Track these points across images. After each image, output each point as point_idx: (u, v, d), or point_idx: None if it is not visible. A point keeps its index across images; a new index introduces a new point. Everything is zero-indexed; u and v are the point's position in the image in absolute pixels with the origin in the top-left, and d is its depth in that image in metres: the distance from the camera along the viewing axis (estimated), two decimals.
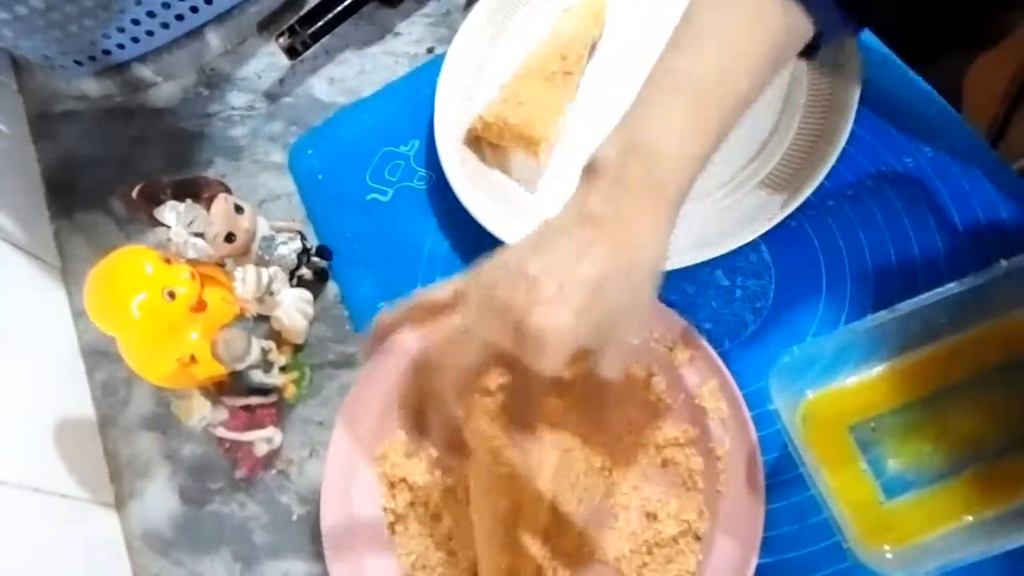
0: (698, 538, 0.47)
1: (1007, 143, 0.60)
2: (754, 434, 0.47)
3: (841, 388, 0.47)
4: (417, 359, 0.39)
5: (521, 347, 0.35)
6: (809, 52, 0.43)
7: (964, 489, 0.44)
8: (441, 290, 0.40)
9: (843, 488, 0.44)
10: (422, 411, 0.39)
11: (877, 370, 0.47)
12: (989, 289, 0.44)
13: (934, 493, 0.44)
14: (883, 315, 0.44)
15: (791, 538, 0.47)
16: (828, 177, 0.52)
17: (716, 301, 0.54)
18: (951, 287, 0.44)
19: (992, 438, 0.45)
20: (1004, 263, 0.43)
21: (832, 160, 0.52)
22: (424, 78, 0.66)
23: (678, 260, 0.52)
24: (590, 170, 0.39)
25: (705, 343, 0.50)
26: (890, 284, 0.51)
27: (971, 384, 0.46)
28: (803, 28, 0.41)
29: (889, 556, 0.43)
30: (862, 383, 0.47)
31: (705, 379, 0.49)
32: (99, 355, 0.65)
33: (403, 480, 0.52)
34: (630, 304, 0.37)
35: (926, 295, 0.44)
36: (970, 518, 0.43)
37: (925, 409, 0.46)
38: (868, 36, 0.57)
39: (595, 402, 0.52)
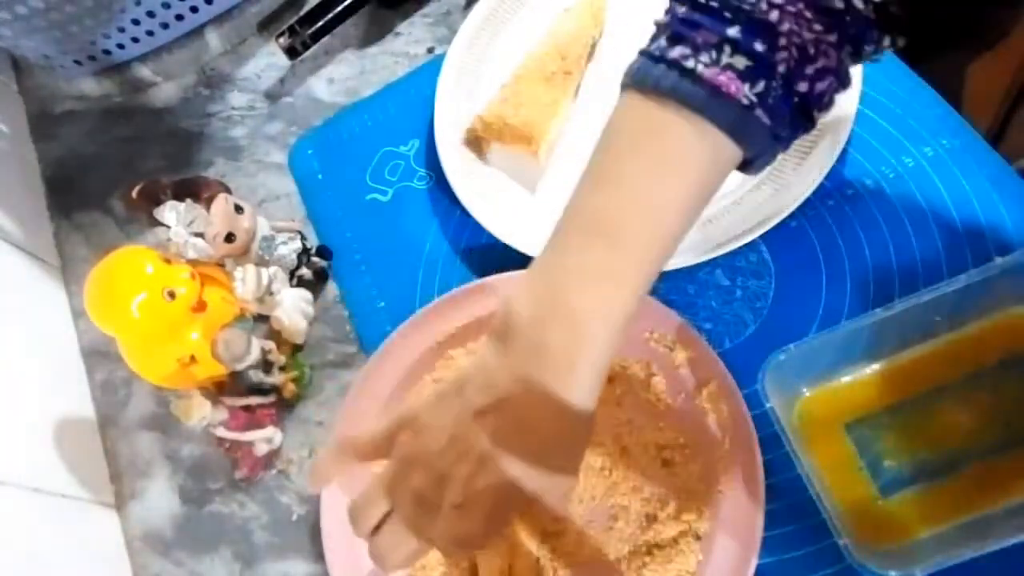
0: (698, 538, 0.47)
1: (1007, 143, 0.60)
2: (754, 434, 0.47)
3: (837, 386, 0.47)
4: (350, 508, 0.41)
5: (446, 498, 0.37)
6: (743, 168, 0.39)
7: (960, 487, 0.44)
8: (367, 436, 0.41)
9: (839, 486, 0.44)
10: None
11: (873, 368, 0.47)
12: (984, 287, 0.44)
13: (930, 491, 0.44)
14: (879, 313, 0.44)
15: (791, 538, 0.47)
16: (828, 177, 0.52)
17: (716, 301, 0.54)
18: (946, 285, 0.44)
19: (987, 436, 0.45)
20: (999, 260, 0.43)
21: (832, 160, 0.52)
22: (424, 78, 0.66)
23: (678, 260, 0.52)
24: (505, 330, 0.36)
25: (705, 343, 0.50)
26: (890, 284, 0.51)
27: (967, 382, 0.46)
28: (731, 156, 0.36)
29: (884, 554, 0.43)
30: (858, 381, 0.47)
31: (705, 379, 0.49)
32: (99, 355, 0.65)
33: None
34: (562, 466, 0.37)
35: (921, 293, 0.44)
36: (966, 516, 0.43)
37: (921, 407, 0.46)
38: None
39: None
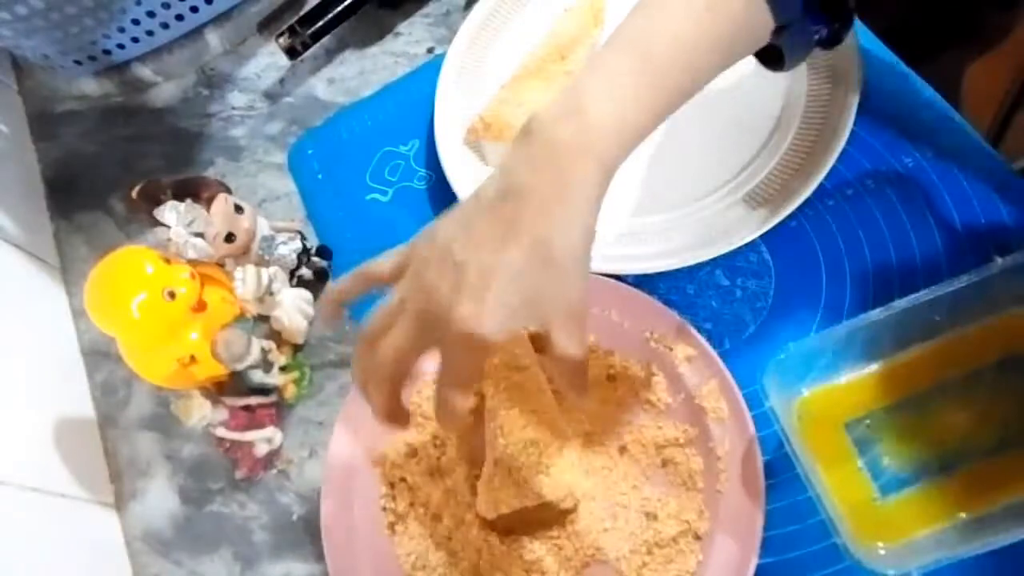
0: (698, 538, 0.47)
1: (1007, 143, 0.60)
2: (754, 434, 0.47)
3: (837, 386, 0.47)
4: (361, 332, 0.40)
5: (449, 335, 0.36)
6: (775, 62, 0.42)
7: (958, 487, 0.44)
8: (383, 260, 0.41)
9: (838, 485, 0.44)
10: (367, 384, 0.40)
11: (873, 368, 0.47)
12: (984, 287, 0.44)
13: (929, 490, 0.44)
14: (878, 313, 0.44)
15: (791, 538, 0.47)
16: (828, 177, 0.52)
17: (716, 301, 0.54)
18: (946, 285, 0.44)
19: (986, 436, 0.45)
20: (999, 261, 0.43)
21: (832, 160, 0.52)
22: (424, 78, 0.66)
23: (678, 260, 0.52)
24: (524, 131, 0.38)
25: (705, 343, 0.50)
26: (890, 284, 0.51)
27: (966, 382, 0.46)
28: (762, 16, 0.39)
29: (883, 553, 0.43)
30: (858, 380, 0.47)
31: (705, 379, 0.49)
32: (99, 355, 0.65)
33: (403, 480, 0.52)
34: (559, 282, 0.36)
35: (921, 293, 0.44)
36: (964, 516, 0.43)
37: (920, 407, 0.46)
38: (868, 36, 0.58)
39: (598, 402, 0.52)
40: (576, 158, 0.36)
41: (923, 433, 0.46)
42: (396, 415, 0.41)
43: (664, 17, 0.38)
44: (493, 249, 0.36)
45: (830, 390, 0.47)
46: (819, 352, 0.46)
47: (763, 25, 0.40)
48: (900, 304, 0.44)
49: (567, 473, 0.47)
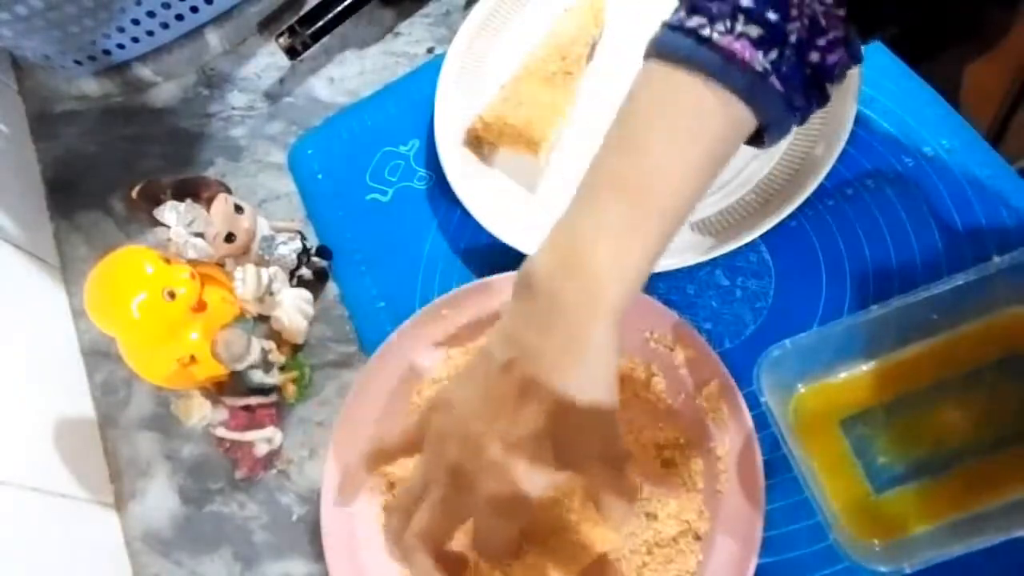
0: (698, 538, 0.47)
1: (1007, 143, 0.60)
2: (754, 434, 0.47)
3: (833, 383, 0.48)
4: (389, 507, 0.41)
5: (481, 513, 0.36)
6: (755, 141, 0.41)
7: (953, 485, 0.44)
8: (394, 437, 0.41)
9: (833, 482, 0.44)
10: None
11: (869, 365, 0.47)
12: (981, 286, 0.44)
13: (923, 488, 0.44)
14: (875, 310, 0.45)
15: (791, 538, 0.47)
16: (828, 177, 0.52)
17: (716, 301, 0.54)
18: (943, 284, 0.44)
19: (982, 435, 0.45)
20: (997, 259, 0.43)
21: (832, 160, 0.52)
22: (424, 78, 0.66)
23: (678, 260, 0.52)
24: (524, 285, 0.37)
25: (705, 343, 0.50)
26: (889, 284, 0.51)
27: (962, 381, 0.46)
28: (746, 123, 0.38)
29: (877, 549, 0.43)
30: (854, 378, 0.48)
31: (705, 379, 0.49)
32: (99, 355, 0.65)
33: (403, 480, 0.52)
34: (588, 430, 0.36)
35: (918, 291, 0.44)
36: (958, 514, 0.43)
37: (916, 405, 0.46)
38: None
39: None
40: (585, 317, 0.36)
41: (919, 431, 0.46)
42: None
43: (651, 157, 0.37)
44: (511, 422, 0.36)
45: (827, 387, 0.47)
46: (815, 349, 0.46)
47: (746, 129, 0.38)
48: (898, 302, 0.44)
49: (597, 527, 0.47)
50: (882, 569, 0.40)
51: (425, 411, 0.40)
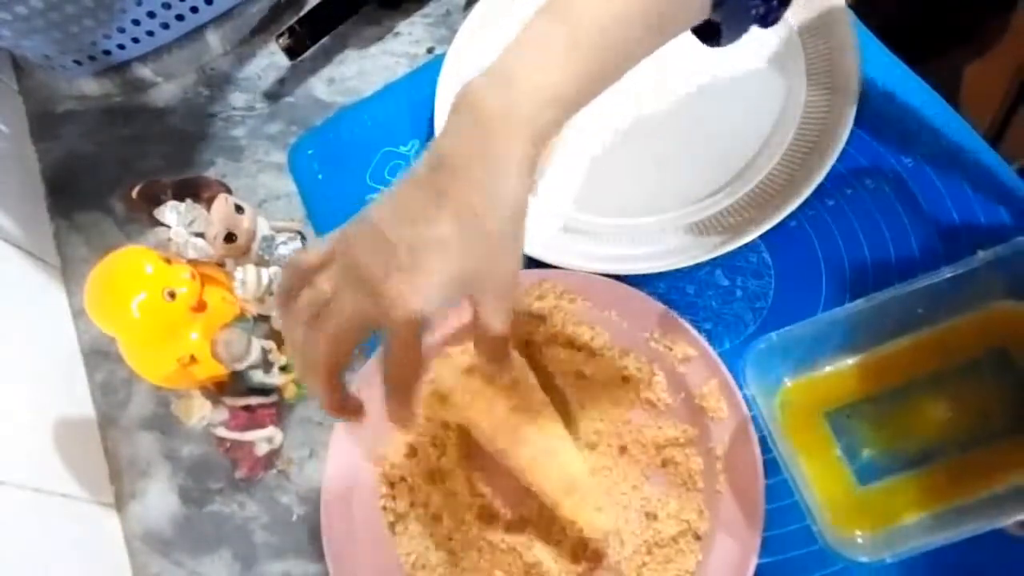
0: (698, 538, 0.47)
1: (1007, 143, 0.60)
2: (754, 434, 0.47)
3: (819, 376, 0.48)
4: (286, 314, 0.39)
5: (382, 314, 0.36)
6: (712, 37, 0.41)
7: (936, 478, 0.44)
8: (313, 252, 0.40)
9: (818, 474, 0.45)
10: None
11: (855, 358, 0.48)
12: (965, 280, 0.44)
13: (906, 480, 0.45)
14: (860, 303, 0.45)
15: (791, 538, 0.47)
16: (828, 177, 0.52)
17: (716, 301, 0.54)
18: (928, 278, 0.44)
19: (965, 428, 0.45)
20: (980, 254, 0.44)
21: (832, 160, 0.52)
22: (424, 78, 0.66)
23: (678, 260, 0.52)
24: (455, 102, 0.37)
25: (705, 343, 0.50)
26: (889, 283, 0.51)
27: (946, 375, 0.46)
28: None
29: (860, 541, 0.43)
30: (839, 371, 0.48)
31: (705, 379, 0.49)
32: (99, 355, 0.65)
33: (403, 480, 0.52)
34: (490, 253, 0.36)
35: (903, 285, 0.44)
36: (941, 506, 0.43)
37: (900, 398, 0.47)
38: (868, 36, 0.58)
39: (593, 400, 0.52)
40: (501, 125, 0.36)
41: (904, 424, 0.46)
42: (343, 407, 0.40)
43: None
44: (422, 221, 0.36)
45: (812, 380, 0.48)
46: (801, 341, 0.46)
47: (699, 1, 0.39)
48: (882, 296, 0.45)
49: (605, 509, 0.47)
50: (863, 559, 0.40)
51: (343, 227, 0.39)
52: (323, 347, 0.37)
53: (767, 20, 0.41)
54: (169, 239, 0.55)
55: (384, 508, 0.52)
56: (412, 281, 0.35)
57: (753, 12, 0.40)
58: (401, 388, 0.39)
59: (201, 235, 0.55)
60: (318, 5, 0.69)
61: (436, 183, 0.36)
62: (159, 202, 0.56)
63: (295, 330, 0.38)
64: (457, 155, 0.36)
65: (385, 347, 0.38)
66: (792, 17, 0.57)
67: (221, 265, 0.58)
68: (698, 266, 0.53)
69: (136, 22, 0.69)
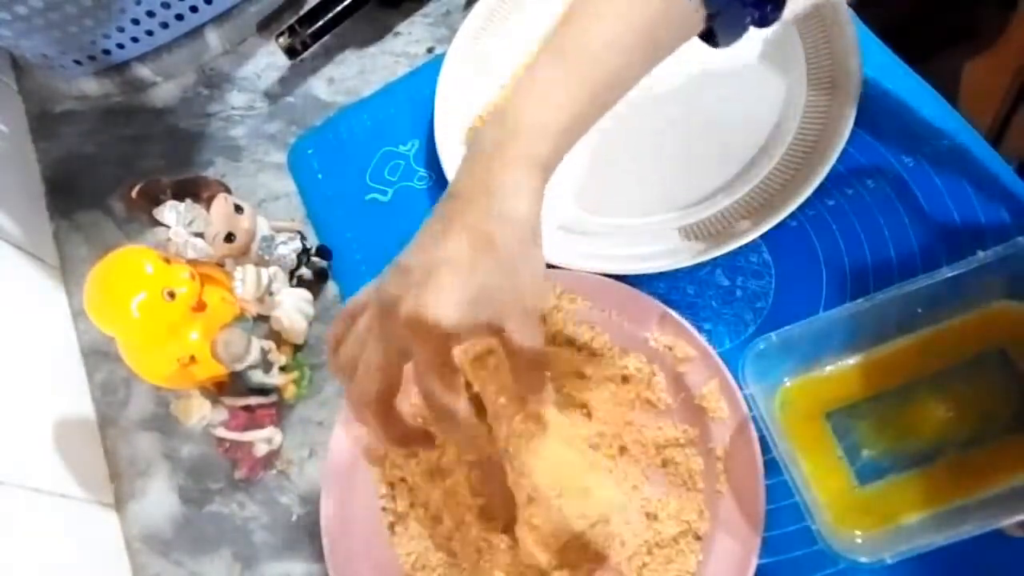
0: (698, 538, 0.47)
1: (1007, 143, 0.60)
2: (754, 434, 0.47)
3: (819, 376, 0.48)
4: (334, 362, 0.41)
5: (406, 334, 0.36)
6: (709, 39, 0.42)
7: (936, 477, 0.44)
8: (353, 300, 0.42)
9: (818, 474, 0.45)
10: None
11: (855, 358, 0.48)
12: (965, 280, 0.44)
13: (906, 480, 0.45)
14: (860, 303, 0.45)
15: (791, 538, 0.47)
16: (828, 177, 0.52)
17: (716, 301, 0.54)
18: (927, 278, 0.44)
19: (965, 428, 0.45)
20: (980, 255, 0.44)
21: (832, 160, 0.52)
22: (424, 78, 0.66)
23: (678, 260, 0.52)
24: (469, 140, 0.40)
25: (705, 343, 0.50)
26: (890, 284, 0.51)
27: (945, 375, 0.47)
28: (690, 9, 0.39)
29: (859, 541, 0.43)
30: (839, 371, 0.48)
31: (705, 379, 0.49)
32: (99, 355, 0.65)
33: (403, 480, 0.52)
34: (507, 272, 0.36)
35: (903, 284, 0.44)
36: (941, 506, 0.43)
37: (900, 398, 0.47)
38: (868, 36, 0.58)
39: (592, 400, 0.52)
40: (499, 156, 0.37)
41: (904, 424, 0.46)
42: (405, 438, 0.41)
43: (588, 19, 0.39)
44: (433, 246, 0.37)
45: (812, 380, 0.48)
46: (801, 341, 0.46)
47: (692, 15, 0.40)
48: (882, 296, 0.45)
49: (606, 488, 0.47)
50: (863, 560, 0.40)
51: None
52: (367, 383, 0.38)
53: (763, 23, 0.42)
54: (168, 239, 0.55)
55: (384, 508, 0.52)
56: (426, 294, 0.35)
57: (748, 20, 0.41)
58: (438, 410, 0.38)
59: (201, 235, 0.55)
60: (318, 5, 0.69)
61: (445, 213, 0.38)
62: (158, 202, 0.56)
63: (343, 373, 0.40)
64: (463, 188, 0.38)
65: (415, 369, 0.38)
66: (792, 17, 0.57)
67: (221, 265, 0.58)
68: (698, 266, 0.53)
69: (136, 22, 0.69)
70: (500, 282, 0.36)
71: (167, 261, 0.52)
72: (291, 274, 0.60)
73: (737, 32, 0.41)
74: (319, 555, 0.51)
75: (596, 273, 0.53)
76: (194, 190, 0.59)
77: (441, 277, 0.36)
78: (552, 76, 0.39)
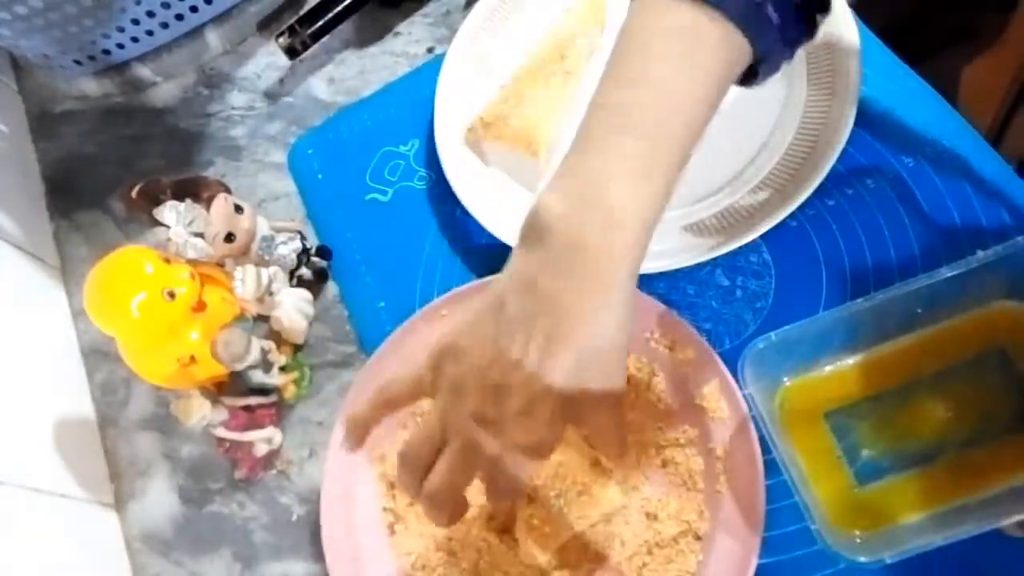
0: (698, 538, 0.47)
1: (1007, 143, 0.60)
2: (754, 434, 0.47)
3: (818, 376, 0.48)
4: (402, 456, 0.40)
5: (506, 408, 0.36)
6: (747, 80, 0.40)
7: (935, 477, 0.44)
8: (401, 383, 0.41)
9: (817, 474, 0.45)
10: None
11: (854, 358, 0.48)
12: (965, 280, 0.44)
13: (906, 480, 0.45)
14: (860, 303, 0.45)
15: (791, 538, 0.47)
16: (828, 177, 0.52)
17: (716, 301, 0.54)
18: (927, 277, 0.44)
19: (964, 428, 0.45)
20: (980, 254, 0.44)
21: (832, 161, 0.52)
22: (424, 78, 0.66)
23: (678, 260, 0.52)
24: (535, 228, 0.36)
25: (705, 343, 0.50)
26: (890, 284, 0.51)
27: (945, 375, 0.46)
28: (742, 54, 0.37)
29: (858, 541, 0.43)
30: (839, 371, 0.48)
31: (705, 379, 0.49)
32: (99, 355, 0.65)
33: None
34: (604, 377, 0.36)
35: (902, 284, 0.44)
36: (940, 506, 0.43)
37: (900, 398, 0.47)
38: (868, 36, 0.58)
39: None
40: (606, 257, 0.35)
41: (903, 424, 0.46)
42: (454, 517, 0.41)
43: (658, 89, 0.36)
44: (535, 366, 0.35)
45: (812, 380, 0.48)
46: (800, 341, 0.46)
47: (742, 61, 0.38)
48: (882, 295, 0.45)
49: (605, 488, 0.47)
50: (863, 559, 0.40)
51: (434, 358, 0.39)
52: (444, 491, 0.38)
53: (795, 51, 0.41)
54: (168, 239, 0.55)
55: (384, 508, 0.52)
56: (542, 363, 0.35)
57: (788, 50, 0.40)
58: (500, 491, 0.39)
59: (200, 235, 0.55)
60: (318, 5, 0.69)
61: (540, 325, 0.35)
62: (158, 202, 0.56)
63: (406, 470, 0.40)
64: (557, 294, 0.35)
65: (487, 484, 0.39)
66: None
67: (221, 265, 0.58)
68: (698, 266, 0.53)
69: (135, 22, 0.69)
70: (599, 386, 0.37)
71: (167, 261, 0.52)
72: (291, 274, 0.60)
73: (775, 70, 0.40)
74: (319, 555, 0.51)
75: None
76: (194, 190, 0.58)
77: (548, 407, 0.36)
78: (639, 150, 0.35)
